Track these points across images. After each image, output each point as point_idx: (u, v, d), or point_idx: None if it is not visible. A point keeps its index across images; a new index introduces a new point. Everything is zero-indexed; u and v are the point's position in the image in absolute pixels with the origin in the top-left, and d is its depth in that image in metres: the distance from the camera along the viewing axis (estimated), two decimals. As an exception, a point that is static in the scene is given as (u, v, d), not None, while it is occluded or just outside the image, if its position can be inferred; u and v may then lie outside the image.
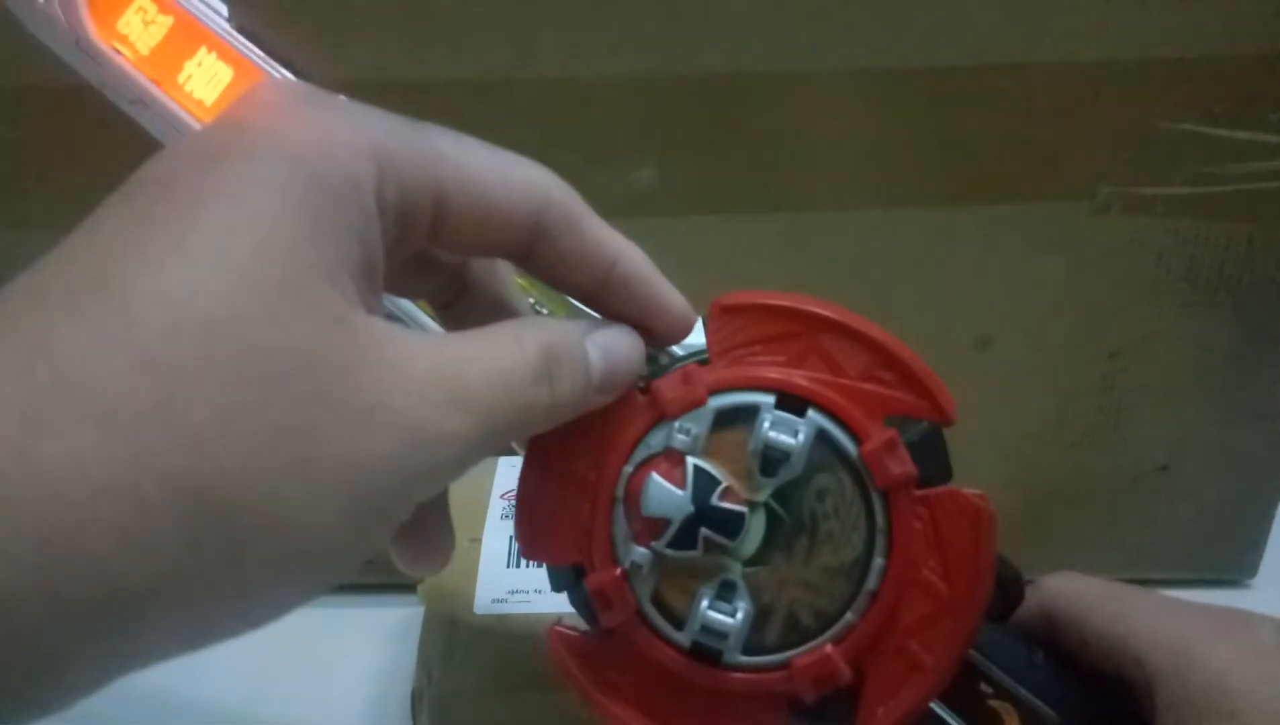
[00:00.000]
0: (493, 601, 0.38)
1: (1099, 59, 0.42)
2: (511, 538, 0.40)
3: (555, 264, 0.26)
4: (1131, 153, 0.43)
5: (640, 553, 0.27)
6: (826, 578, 0.27)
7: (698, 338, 0.28)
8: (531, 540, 0.28)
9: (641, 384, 0.28)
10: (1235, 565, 0.51)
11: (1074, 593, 0.29)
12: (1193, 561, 0.50)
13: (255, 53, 0.32)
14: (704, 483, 0.27)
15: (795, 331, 0.27)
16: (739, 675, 0.27)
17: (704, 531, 0.26)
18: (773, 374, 0.27)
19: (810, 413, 0.27)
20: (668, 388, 0.27)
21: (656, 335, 0.27)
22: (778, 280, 0.45)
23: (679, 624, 0.27)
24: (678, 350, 0.28)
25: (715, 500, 0.26)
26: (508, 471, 0.44)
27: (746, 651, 0.27)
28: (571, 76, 0.41)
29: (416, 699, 0.35)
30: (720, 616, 0.27)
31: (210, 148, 0.21)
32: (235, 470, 0.19)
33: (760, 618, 0.27)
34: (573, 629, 0.29)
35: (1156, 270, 0.45)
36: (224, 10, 0.33)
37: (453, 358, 0.22)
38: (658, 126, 0.42)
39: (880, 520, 0.27)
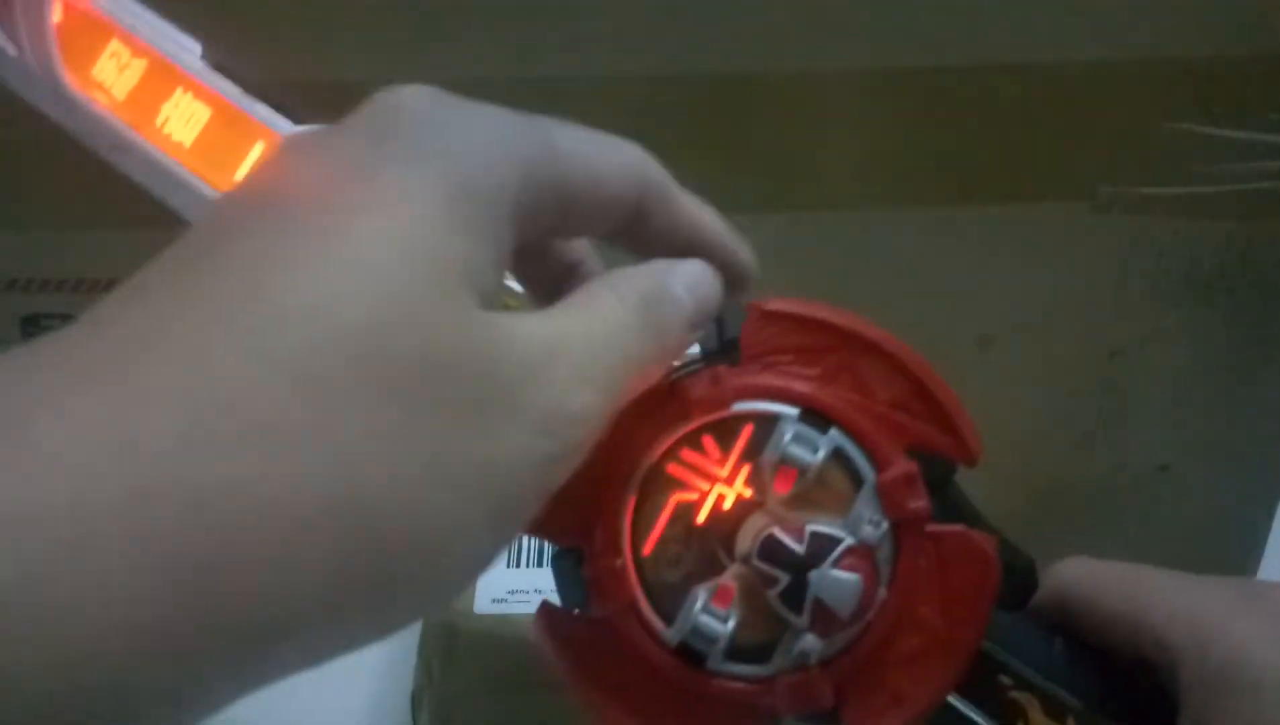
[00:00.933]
0: (493, 601, 0.38)
1: (1099, 59, 0.42)
2: (512, 538, 0.40)
3: (648, 239, 0.26)
4: (1131, 153, 0.43)
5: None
6: None
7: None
8: (539, 521, 0.28)
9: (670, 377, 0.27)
10: (1235, 565, 0.51)
11: (1086, 575, 0.28)
12: (1193, 561, 0.50)
13: (232, 89, 0.32)
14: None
15: (832, 346, 0.27)
16: (720, 681, 0.27)
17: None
18: (799, 387, 0.27)
19: (833, 431, 0.27)
20: (694, 387, 0.27)
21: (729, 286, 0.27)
22: (778, 280, 0.45)
23: (669, 619, 0.27)
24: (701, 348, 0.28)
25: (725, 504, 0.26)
26: (508, 471, 0.44)
27: (732, 658, 0.27)
28: (572, 76, 0.41)
29: (416, 699, 0.35)
30: (711, 620, 0.27)
31: (356, 155, 0.21)
32: (384, 485, 0.19)
33: (750, 627, 0.27)
34: (561, 607, 0.28)
35: (1156, 270, 0.45)
36: (197, 48, 0.32)
37: (561, 332, 0.22)
38: (659, 126, 0.42)
39: (886, 551, 0.27)
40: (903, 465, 0.26)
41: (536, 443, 0.21)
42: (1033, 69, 0.42)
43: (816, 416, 0.27)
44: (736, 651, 0.27)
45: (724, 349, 0.28)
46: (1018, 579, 0.28)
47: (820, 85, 0.42)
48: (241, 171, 0.32)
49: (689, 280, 0.25)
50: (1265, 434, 0.48)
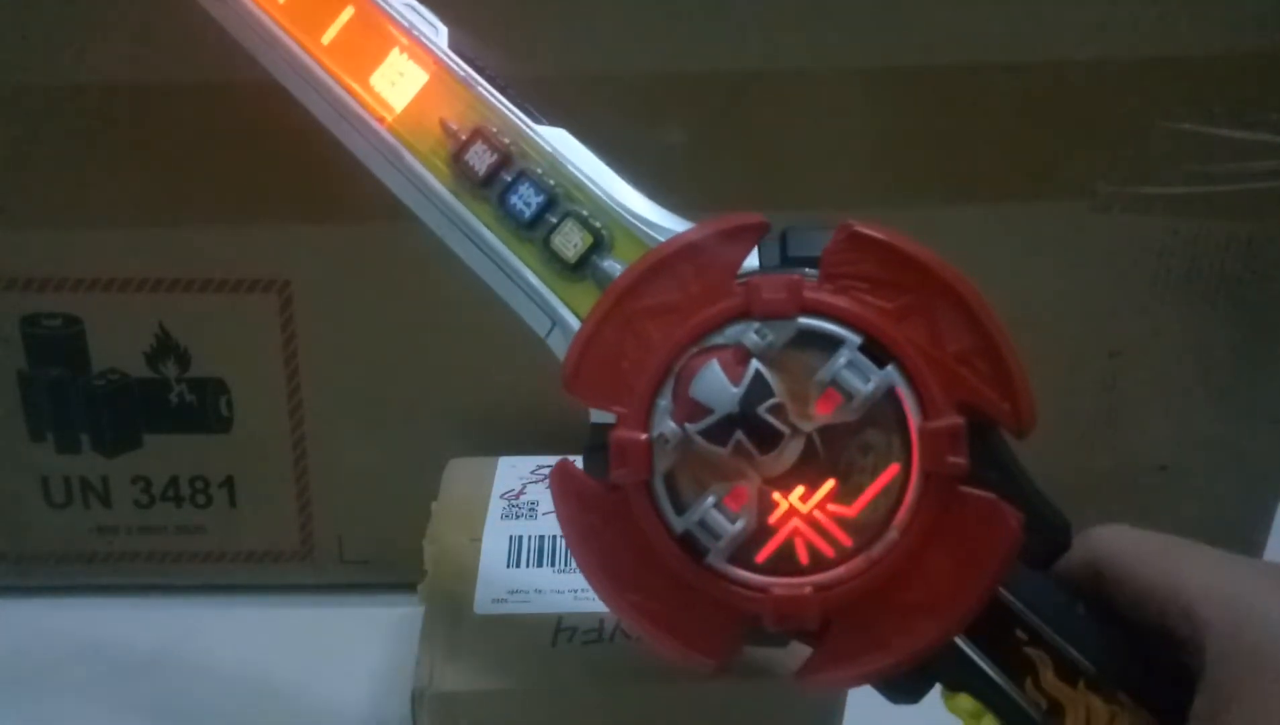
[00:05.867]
0: (493, 601, 0.38)
1: (1099, 59, 0.42)
2: (511, 537, 0.40)
3: None
4: (1131, 153, 0.43)
5: (671, 428, 0.27)
6: (836, 526, 0.27)
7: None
8: (577, 372, 0.28)
9: (740, 275, 0.27)
10: (1235, 565, 0.51)
11: (1125, 543, 0.28)
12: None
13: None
14: (759, 389, 0.26)
15: (912, 285, 0.27)
16: (714, 579, 0.27)
17: (739, 434, 0.26)
18: (870, 316, 0.27)
19: (890, 367, 0.26)
20: (767, 288, 0.27)
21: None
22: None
23: (680, 509, 0.27)
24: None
25: (763, 411, 0.26)
26: (508, 471, 0.44)
27: (730, 560, 0.27)
28: (573, 75, 0.41)
29: (416, 699, 0.35)
30: (721, 518, 0.27)
31: None
32: None
33: (756, 535, 0.27)
34: (580, 469, 0.29)
35: (1156, 270, 0.45)
36: None
37: None
38: (659, 126, 0.42)
39: (912, 498, 0.26)
40: (949, 418, 0.26)
41: None
42: (1033, 69, 0.42)
43: (878, 349, 0.27)
44: (735, 556, 0.27)
45: (784, 266, 0.28)
46: (1050, 538, 0.28)
47: (820, 85, 0.42)
48: (330, 34, 0.32)
49: None
50: (1265, 434, 0.48)
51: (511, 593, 0.38)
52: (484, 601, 0.38)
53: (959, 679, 0.28)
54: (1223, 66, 0.42)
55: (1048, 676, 0.27)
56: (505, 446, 0.45)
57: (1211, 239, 0.44)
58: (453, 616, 0.37)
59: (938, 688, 0.28)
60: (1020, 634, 0.27)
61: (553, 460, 0.44)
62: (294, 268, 0.45)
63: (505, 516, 0.41)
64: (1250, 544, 0.51)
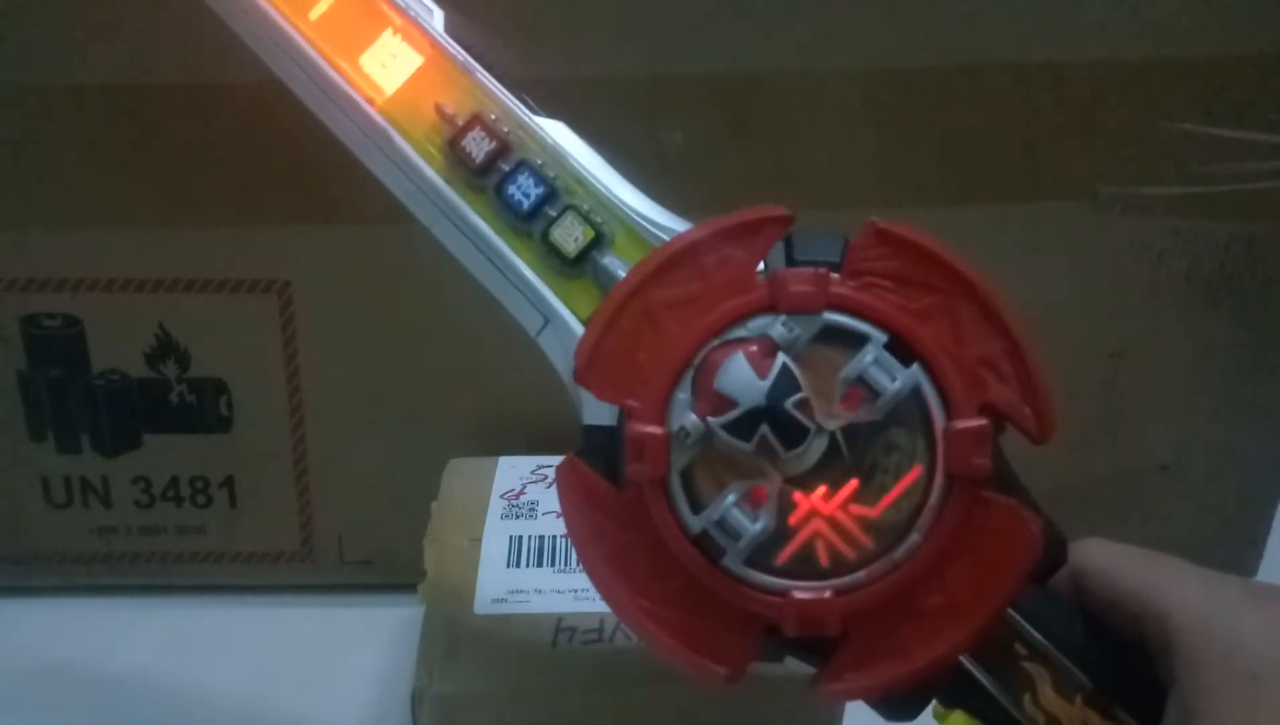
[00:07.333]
0: (493, 601, 0.38)
1: (1099, 59, 0.42)
2: (511, 537, 0.40)
3: None
4: (1131, 153, 0.43)
5: (693, 422, 0.26)
6: (858, 528, 0.26)
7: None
8: (590, 364, 0.27)
9: (762, 267, 0.27)
10: (1235, 565, 0.51)
11: (1105, 554, 0.28)
12: (1193, 561, 0.50)
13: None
14: (786, 383, 0.26)
15: (937, 285, 0.27)
16: (731, 582, 0.26)
17: (764, 429, 0.26)
18: (896, 315, 0.26)
19: (915, 367, 0.26)
20: (793, 281, 0.26)
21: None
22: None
23: (696, 508, 0.26)
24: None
25: (789, 405, 0.26)
26: (508, 471, 0.44)
27: (749, 563, 0.26)
28: (574, 75, 0.41)
29: (416, 699, 0.35)
30: (741, 517, 0.26)
31: None
32: None
33: (776, 537, 0.26)
34: (588, 465, 0.27)
35: (1156, 270, 0.45)
36: None
37: None
38: (659, 126, 0.42)
39: (934, 499, 0.26)
40: (975, 420, 0.26)
41: None
42: (1033, 69, 0.42)
43: (904, 348, 0.26)
44: (754, 558, 0.26)
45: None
46: (1048, 552, 0.27)
47: (820, 85, 0.42)
48: (318, 9, 0.30)
49: None
50: (1265, 434, 0.48)
51: (511, 593, 0.38)
52: (484, 601, 0.38)
53: (957, 694, 0.27)
54: (1223, 66, 0.42)
55: (1046, 692, 0.27)
56: (505, 446, 0.45)
57: (1211, 239, 0.44)
58: (453, 616, 0.37)
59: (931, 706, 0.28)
60: (1019, 648, 0.27)
61: (553, 460, 0.44)
62: (294, 268, 0.45)
63: (505, 516, 0.41)
64: (1250, 544, 0.51)
